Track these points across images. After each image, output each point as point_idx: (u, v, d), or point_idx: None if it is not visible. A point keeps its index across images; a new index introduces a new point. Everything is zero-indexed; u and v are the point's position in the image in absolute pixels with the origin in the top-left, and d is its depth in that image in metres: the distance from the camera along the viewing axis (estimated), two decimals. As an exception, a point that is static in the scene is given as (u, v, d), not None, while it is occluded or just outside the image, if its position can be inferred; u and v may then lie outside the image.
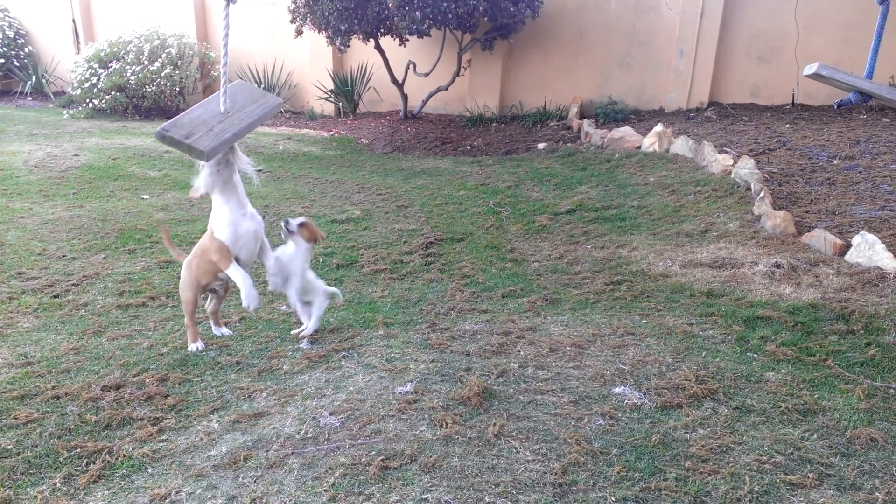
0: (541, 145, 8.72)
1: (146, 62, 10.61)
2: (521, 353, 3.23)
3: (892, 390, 2.80)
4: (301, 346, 3.39)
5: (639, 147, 7.67)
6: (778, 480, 2.19)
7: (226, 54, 3.19)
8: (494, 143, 9.27)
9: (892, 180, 5.31)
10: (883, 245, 3.95)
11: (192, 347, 3.36)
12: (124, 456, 2.45)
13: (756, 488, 2.15)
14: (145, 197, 6.54)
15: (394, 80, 10.17)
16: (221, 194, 3.19)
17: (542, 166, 7.66)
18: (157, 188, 6.87)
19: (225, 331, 3.59)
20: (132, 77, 10.48)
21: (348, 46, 9.48)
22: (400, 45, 9.54)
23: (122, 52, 10.73)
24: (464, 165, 8.12)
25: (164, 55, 10.70)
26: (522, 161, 8.10)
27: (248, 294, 3.14)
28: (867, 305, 3.53)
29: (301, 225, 3.41)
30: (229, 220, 3.18)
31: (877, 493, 2.13)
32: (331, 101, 11.09)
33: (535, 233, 5.42)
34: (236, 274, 3.17)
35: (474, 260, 4.78)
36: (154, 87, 10.63)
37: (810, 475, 2.22)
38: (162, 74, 10.60)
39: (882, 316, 3.41)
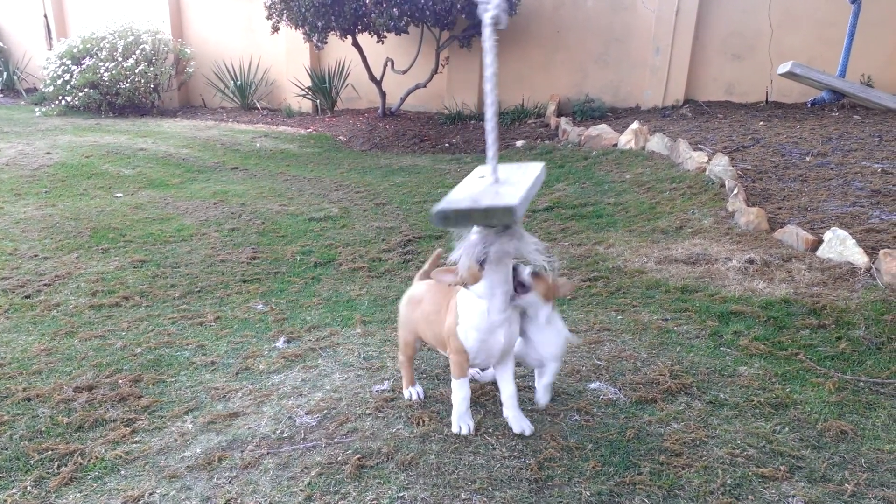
0: (519, 143, 8.74)
1: (120, 59, 10.46)
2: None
3: (861, 383, 2.85)
4: (277, 344, 3.37)
5: (615, 145, 7.72)
6: (750, 473, 2.22)
7: (493, 102, 2.13)
8: (473, 140, 9.27)
9: (863, 177, 5.40)
10: (854, 241, 4.01)
11: (406, 394, 2.76)
12: (97, 458, 2.42)
13: (728, 481, 2.18)
14: (119, 195, 6.45)
15: (372, 78, 10.14)
16: (485, 286, 2.29)
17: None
18: (131, 186, 6.78)
19: (415, 393, 2.79)
20: (106, 74, 10.33)
21: (325, 43, 9.42)
22: (378, 42, 9.50)
23: (96, 48, 10.56)
24: (442, 163, 8.11)
25: (138, 52, 10.56)
26: (501, 159, 8.03)
27: (459, 417, 2.51)
28: (838, 300, 3.59)
29: (535, 276, 2.42)
30: (482, 325, 2.35)
31: (846, 485, 2.17)
32: (308, 99, 11.02)
33: (513, 230, 5.43)
34: (458, 391, 2.49)
35: (452, 257, 4.77)
36: (128, 84, 10.48)
37: (782, 468, 2.25)
38: (136, 71, 10.46)
39: (852, 310, 3.46)
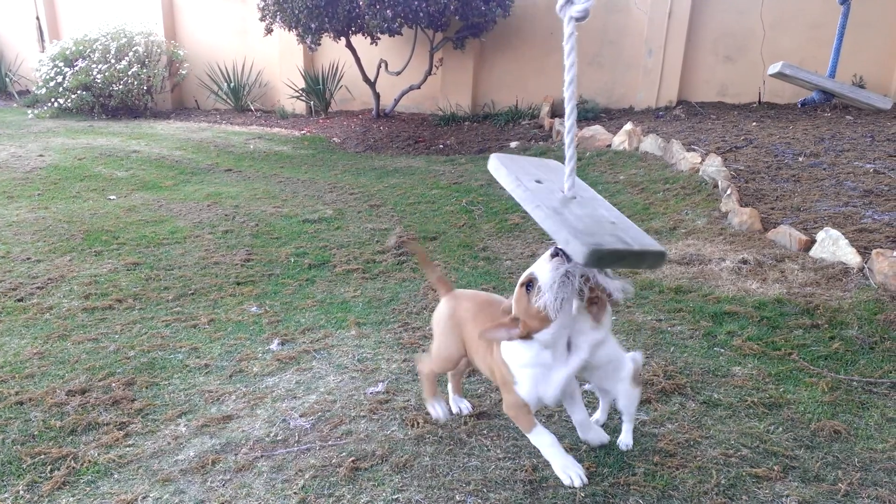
0: (513, 144, 8.75)
1: (113, 61, 10.43)
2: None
3: (854, 383, 2.86)
4: (271, 347, 3.36)
5: (609, 146, 7.73)
6: (744, 473, 2.23)
7: (572, 111, 1.90)
8: (467, 141, 9.28)
9: (856, 177, 5.42)
10: (846, 240, 4.03)
11: (434, 412, 2.50)
12: (90, 462, 2.40)
13: (723, 481, 2.19)
14: (112, 198, 6.43)
15: (366, 79, 10.14)
16: (552, 333, 2.03)
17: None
18: (124, 189, 6.76)
19: (464, 406, 2.63)
20: (98, 76, 10.30)
21: (319, 45, 9.42)
22: (371, 43, 9.50)
23: (88, 50, 10.53)
24: (437, 164, 8.11)
25: (131, 53, 10.54)
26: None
27: (563, 468, 2.16)
28: (831, 300, 3.60)
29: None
30: (539, 378, 2.09)
31: (839, 484, 2.18)
32: (302, 100, 11.01)
33: (507, 231, 5.44)
34: (540, 440, 2.19)
35: (447, 259, 4.77)
36: (121, 86, 10.45)
37: (775, 467, 2.26)
38: (129, 73, 10.43)
39: (845, 310, 3.48)
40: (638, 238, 1.77)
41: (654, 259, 1.76)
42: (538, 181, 1.96)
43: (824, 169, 5.72)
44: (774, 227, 4.57)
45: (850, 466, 2.29)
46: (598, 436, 2.36)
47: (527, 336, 2.01)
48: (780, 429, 2.51)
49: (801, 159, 6.09)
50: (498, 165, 2.02)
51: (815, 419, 2.57)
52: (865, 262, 3.85)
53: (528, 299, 1.98)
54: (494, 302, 2.26)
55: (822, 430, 2.50)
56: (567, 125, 1.90)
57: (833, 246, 4.06)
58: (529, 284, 1.98)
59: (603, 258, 1.66)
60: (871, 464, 2.30)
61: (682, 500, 2.10)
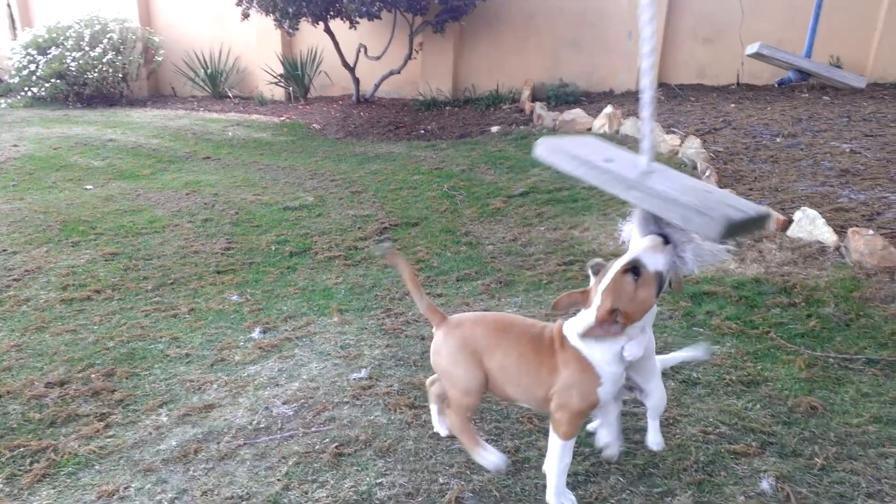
0: (494, 128, 8.73)
1: (87, 48, 10.25)
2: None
3: (830, 359, 2.90)
4: (253, 335, 3.35)
5: (590, 129, 7.74)
6: (722, 450, 2.26)
7: (652, 84, 1.91)
8: (448, 126, 9.24)
9: (832, 157, 5.48)
10: (823, 220, 4.07)
11: (489, 462, 2.08)
12: (70, 453, 2.39)
13: (702, 458, 2.22)
14: (89, 187, 6.34)
15: (345, 64, 10.04)
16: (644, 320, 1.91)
17: (496, 149, 7.67)
18: (101, 178, 6.67)
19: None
20: (72, 64, 10.11)
21: (297, 29, 9.31)
22: (350, 27, 9.41)
23: (62, 37, 10.33)
24: (418, 150, 8.08)
25: (105, 40, 10.35)
26: (476, 144, 8.10)
27: (557, 492, 2.02)
28: (808, 278, 3.65)
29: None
30: (617, 375, 1.93)
31: (816, 459, 2.22)
32: (281, 86, 10.90)
33: (489, 216, 5.44)
34: (562, 457, 1.99)
35: (429, 244, 4.77)
36: (96, 74, 10.28)
37: (753, 444, 2.30)
38: (104, 61, 10.26)
39: (822, 288, 3.53)
40: (744, 204, 1.76)
41: (766, 221, 1.73)
42: (607, 160, 1.89)
43: (801, 149, 5.77)
44: (753, 208, 4.61)
45: (827, 441, 2.33)
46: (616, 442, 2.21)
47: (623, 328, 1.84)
48: (758, 406, 2.55)
49: (778, 140, 6.14)
50: (550, 152, 1.95)
51: (792, 396, 2.62)
52: (842, 241, 3.90)
53: (634, 287, 1.80)
54: (514, 322, 2.08)
55: (798, 406, 2.54)
56: (644, 98, 1.90)
57: (810, 225, 4.11)
58: (635, 271, 1.81)
59: (733, 230, 1.66)
60: (847, 438, 2.34)
61: (661, 478, 2.13)
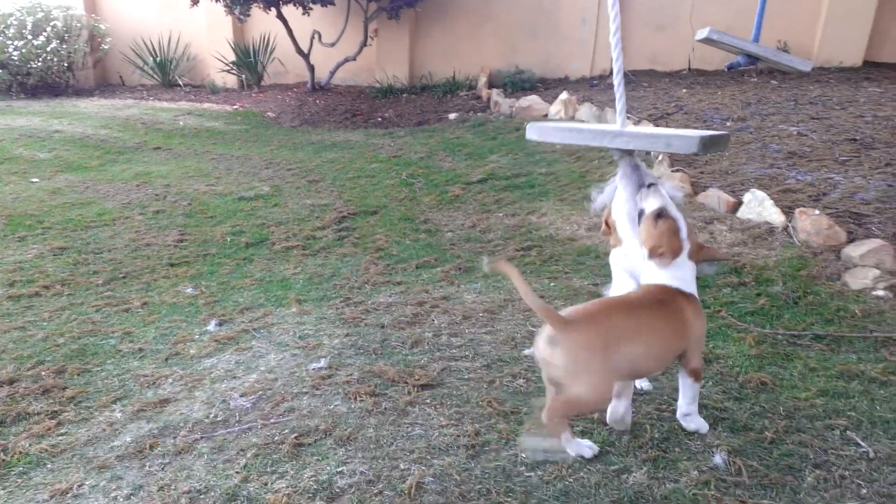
0: (452, 115, 8.73)
1: (30, 37, 9.88)
2: (436, 322, 3.26)
3: (779, 336, 2.99)
4: (208, 328, 3.29)
5: (546, 115, 7.80)
6: (676, 427, 2.32)
7: (619, 57, 2.45)
8: (406, 114, 9.20)
9: (780, 140, 5.62)
10: (771, 201, 4.18)
11: (584, 449, 2.17)
12: (20, 452, 2.32)
13: (656, 435, 2.27)
14: (35, 180, 6.13)
15: (299, 51, 9.89)
16: None
17: (454, 136, 7.67)
18: (47, 170, 6.46)
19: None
20: (15, 53, 9.74)
21: (248, 16, 9.14)
22: (303, 13, 9.27)
23: (2, 26, 9.93)
24: (375, 137, 8.03)
25: (49, 29, 9.99)
26: (434, 132, 8.09)
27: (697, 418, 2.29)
28: (758, 258, 3.75)
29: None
30: None
31: (766, 433, 2.29)
32: (233, 74, 10.68)
33: (448, 203, 5.45)
34: None
35: (388, 232, 4.76)
36: (40, 63, 9.92)
37: (706, 419, 2.35)
38: (48, 49, 9.90)
39: (771, 268, 3.63)
40: (706, 131, 2.24)
41: (729, 140, 2.34)
42: (589, 127, 2.46)
43: (751, 133, 5.91)
44: (704, 191, 4.71)
45: (776, 415, 2.40)
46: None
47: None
48: (710, 382, 2.62)
49: (728, 124, 6.28)
50: (540, 133, 2.57)
51: (742, 372, 2.69)
52: (789, 221, 4.01)
53: (667, 226, 2.14)
54: (632, 304, 2.16)
55: (749, 382, 2.62)
56: (615, 68, 2.46)
57: (759, 207, 4.22)
58: (660, 215, 2.15)
59: (707, 144, 2.11)
60: (796, 412, 2.42)
61: (618, 455, 2.18)
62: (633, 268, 2.31)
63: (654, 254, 2.15)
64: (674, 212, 2.16)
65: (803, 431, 2.30)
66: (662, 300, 2.14)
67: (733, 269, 3.65)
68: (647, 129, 2.37)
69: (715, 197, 4.53)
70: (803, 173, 4.79)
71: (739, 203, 4.38)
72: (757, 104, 6.90)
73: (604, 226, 2.52)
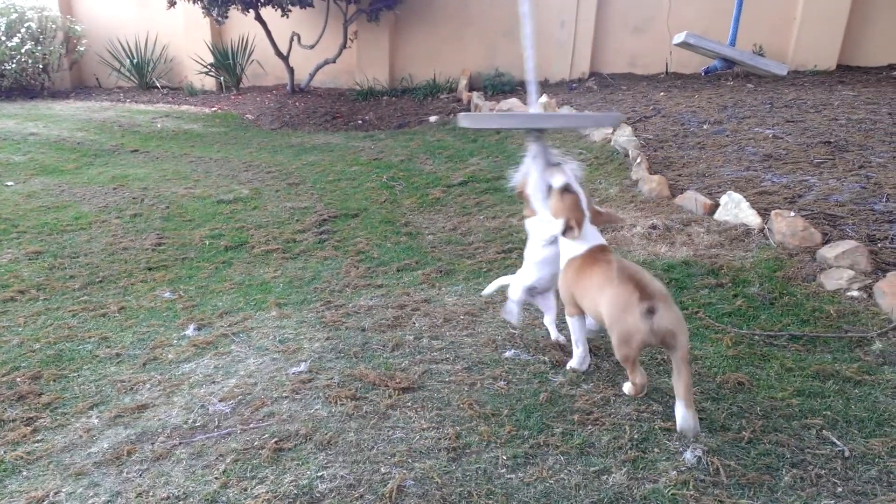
0: (432, 118, 8.73)
1: (3, 38, 9.73)
2: (417, 324, 3.25)
3: (756, 337, 3.03)
4: (187, 332, 3.26)
5: (526, 117, 7.82)
6: (655, 427, 2.34)
7: (531, 55, 2.86)
8: (386, 116, 9.19)
9: (756, 142, 5.70)
10: (748, 203, 4.24)
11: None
12: (-6, 461, 2.28)
13: (636, 436, 2.29)
14: (9, 184, 6.04)
15: (278, 53, 9.84)
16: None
17: (435, 139, 7.68)
18: (22, 174, 6.36)
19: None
20: (-13, 54, 9.60)
21: (226, 17, 9.08)
22: (282, 15, 9.23)
23: (-25, 26, 9.79)
24: (356, 140, 8.01)
25: (23, 30, 9.85)
26: (415, 134, 8.09)
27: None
28: (734, 260, 3.80)
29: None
30: None
31: (744, 432, 2.32)
32: (212, 76, 10.61)
33: (429, 206, 5.45)
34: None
35: (369, 235, 4.75)
36: (14, 65, 9.79)
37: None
38: (22, 51, 9.77)
39: (747, 269, 3.67)
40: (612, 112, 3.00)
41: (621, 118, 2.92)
42: (514, 114, 2.87)
43: (727, 136, 5.99)
44: (681, 193, 4.76)
45: (753, 415, 2.43)
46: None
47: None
48: (689, 383, 2.64)
49: (705, 127, 6.35)
50: (472, 120, 2.93)
51: (720, 372, 2.72)
52: (765, 223, 4.07)
53: (571, 199, 2.60)
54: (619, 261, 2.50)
55: (727, 382, 2.65)
56: (527, 54, 2.83)
57: (735, 209, 4.27)
58: (565, 190, 2.60)
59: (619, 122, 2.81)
60: (772, 411, 2.45)
61: (598, 456, 2.19)
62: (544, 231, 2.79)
63: (566, 229, 2.57)
64: (576, 187, 2.60)
65: (780, 431, 2.33)
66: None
67: (711, 270, 3.70)
68: (568, 112, 2.83)
69: (692, 199, 4.58)
70: (779, 176, 4.86)
71: (716, 205, 4.43)
72: (733, 107, 6.99)
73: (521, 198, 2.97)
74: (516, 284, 2.96)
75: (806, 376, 2.68)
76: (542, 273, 2.85)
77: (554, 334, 2.99)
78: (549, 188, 2.67)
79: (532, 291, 2.93)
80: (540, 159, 2.74)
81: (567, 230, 2.57)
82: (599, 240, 2.62)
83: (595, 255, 2.55)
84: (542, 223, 2.74)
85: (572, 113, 2.80)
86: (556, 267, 2.75)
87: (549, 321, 3.02)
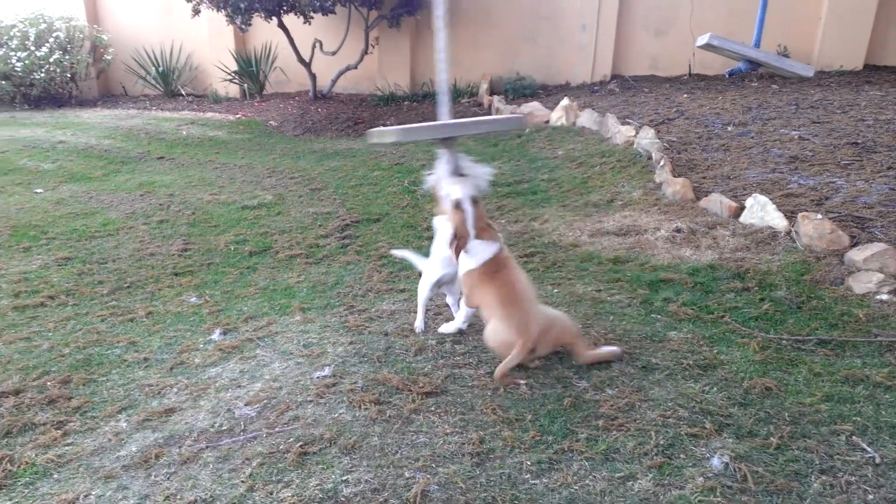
0: (453, 122, 8.73)
1: (32, 48, 9.92)
2: (439, 329, 3.26)
3: (784, 341, 2.99)
4: (213, 337, 3.30)
5: (547, 121, 7.81)
6: (681, 433, 2.32)
7: (444, 69, 3.12)
8: (407, 121, 9.21)
9: (782, 144, 5.63)
10: (774, 206, 4.19)
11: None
12: (27, 463, 2.33)
13: (661, 441, 2.27)
14: (39, 191, 6.16)
15: (300, 60, 9.93)
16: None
17: (456, 143, 7.68)
18: (51, 181, 6.48)
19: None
20: (18, 64, 9.78)
21: (250, 25, 9.16)
22: (304, 22, 9.30)
23: (5, 37, 9.98)
24: (378, 146, 8.04)
25: (51, 39, 10.04)
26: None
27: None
28: (761, 263, 3.75)
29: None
30: None
31: (771, 438, 2.29)
32: (235, 83, 10.72)
33: (449, 210, 5.45)
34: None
35: (391, 240, 4.76)
36: (43, 74, 9.96)
37: (711, 426, 2.36)
38: (51, 60, 9.94)
39: (774, 272, 3.63)
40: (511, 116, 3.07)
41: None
42: (426, 125, 3.00)
43: (752, 137, 5.92)
44: (706, 196, 4.72)
45: (781, 421, 2.40)
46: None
47: None
48: (715, 388, 2.62)
49: (729, 129, 6.29)
50: (379, 135, 3.00)
51: (747, 378, 2.69)
52: (792, 226, 4.02)
53: (460, 216, 2.81)
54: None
55: (754, 387, 2.62)
56: (439, 59, 3.07)
57: (761, 211, 4.22)
58: (458, 205, 2.80)
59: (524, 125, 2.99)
60: (801, 417, 2.42)
61: (623, 462, 2.18)
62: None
63: (453, 244, 2.84)
64: (465, 205, 2.79)
65: (809, 437, 2.30)
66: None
67: (737, 274, 3.66)
68: (475, 118, 2.94)
69: (717, 202, 4.53)
70: (805, 177, 4.79)
71: (742, 208, 4.38)
72: (758, 109, 6.91)
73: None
74: (424, 282, 3.21)
75: (835, 381, 2.64)
76: (447, 270, 3.11)
77: (456, 324, 3.21)
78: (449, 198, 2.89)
79: (438, 284, 3.21)
80: (448, 167, 2.93)
81: (453, 242, 2.83)
82: (490, 254, 2.82)
83: (489, 271, 2.81)
84: (445, 224, 2.98)
85: (476, 119, 3.09)
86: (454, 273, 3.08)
87: (451, 301, 3.36)
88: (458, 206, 2.79)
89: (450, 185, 2.86)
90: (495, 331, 2.74)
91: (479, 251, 2.82)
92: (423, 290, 3.21)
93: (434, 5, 2.93)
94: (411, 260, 3.59)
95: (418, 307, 3.26)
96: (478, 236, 2.82)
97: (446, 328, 3.20)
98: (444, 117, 3.06)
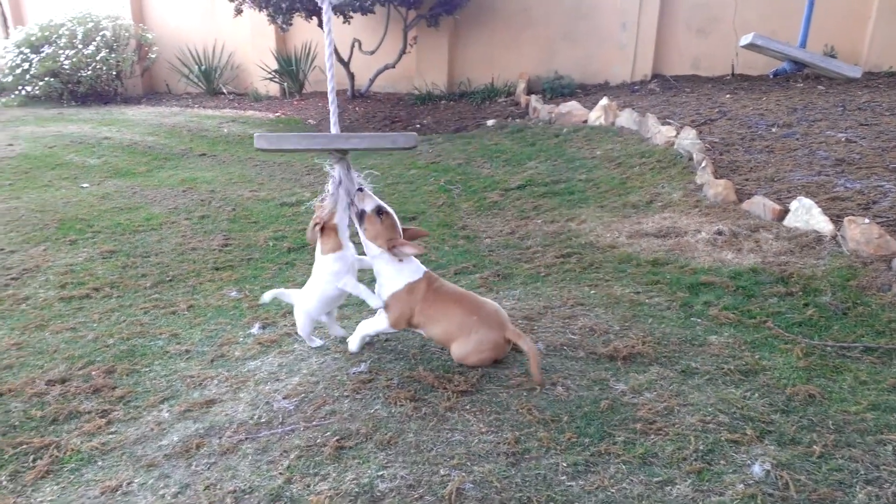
0: (490, 122, 8.73)
1: (80, 46, 10.21)
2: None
3: (828, 348, 2.92)
4: (252, 331, 3.35)
5: (585, 121, 7.75)
6: (721, 439, 2.28)
7: (332, 78, 2.88)
8: (444, 120, 9.24)
9: (828, 146, 5.49)
10: (819, 209, 4.09)
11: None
12: (72, 450, 2.40)
13: (701, 447, 2.23)
14: (85, 185, 6.33)
15: (339, 59, 10.01)
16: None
17: (492, 143, 7.68)
18: (96, 176, 6.66)
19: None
20: (66, 62, 10.08)
21: (291, 25, 9.29)
22: (344, 22, 9.39)
23: (54, 35, 10.29)
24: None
25: (98, 38, 10.32)
26: (472, 138, 8.11)
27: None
28: (805, 268, 3.67)
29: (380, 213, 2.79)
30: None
31: (814, 447, 2.23)
32: (275, 82, 10.87)
33: (486, 209, 5.45)
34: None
35: (427, 238, 4.77)
36: (90, 72, 10.25)
37: (752, 432, 2.31)
38: (97, 58, 10.22)
39: (819, 277, 3.54)
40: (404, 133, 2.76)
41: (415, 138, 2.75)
42: (317, 135, 2.76)
43: (797, 139, 5.79)
44: (749, 198, 4.63)
45: (825, 429, 2.34)
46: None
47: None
48: (756, 395, 2.57)
49: (774, 130, 6.15)
50: (269, 141, 2.71)
51: (790, 384, 2.63)
52: (838, 230, 3.92)
53: (389, 221, 2.76)
54: None
55: (797, 394, 2.56)
56: (329, 73, 2.83)
57: (806, 215, 4.12)
58: (380, 212, 2.74)
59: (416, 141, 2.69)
60: (845, 426, 2.36)
61: (661, 467, 2.15)
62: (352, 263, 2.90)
63: (389, 247, 2.72)
64: (388, 208, 2.74)
65: (853, 446, 2.24)
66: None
67: (780, 278, 3.58)
68: (364, 133, 2.82)
69: (760, 204, 4.44)
70: (852, 181, 4.67)
71: (786, 211, 4.29)
72: (803, 110, 6.76)
73: (316, 229, 2.84)
74: (302, 317, 2.98)
75: (881, 390, 2.57)
76: (324, 308, 2.97)
77: (336, 331, 3.12)
78: (362, 213, 2.76)
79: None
80: (346, 183, 2.78)
81: (392, 250, 2.73)
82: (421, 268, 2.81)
83: (430, 285, 2.78)
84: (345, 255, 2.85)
85: (370, 134, 2.88)
86: (338, 301, 2.99)
87: (330, 323, 3.11)
88: (381, 211, 2.72)
89: (360, 198, 2.77)
90: (479, 341, 2.71)
91: (414, 264, 2.80)
92: (303, 326, 3.01)
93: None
94: (284, 295, 3.15)
95: (307, 334, 3.07)
96: (398, 247, 2.73)
97: (353, 343, 3.01)
98: (335, 128, 2.85)
